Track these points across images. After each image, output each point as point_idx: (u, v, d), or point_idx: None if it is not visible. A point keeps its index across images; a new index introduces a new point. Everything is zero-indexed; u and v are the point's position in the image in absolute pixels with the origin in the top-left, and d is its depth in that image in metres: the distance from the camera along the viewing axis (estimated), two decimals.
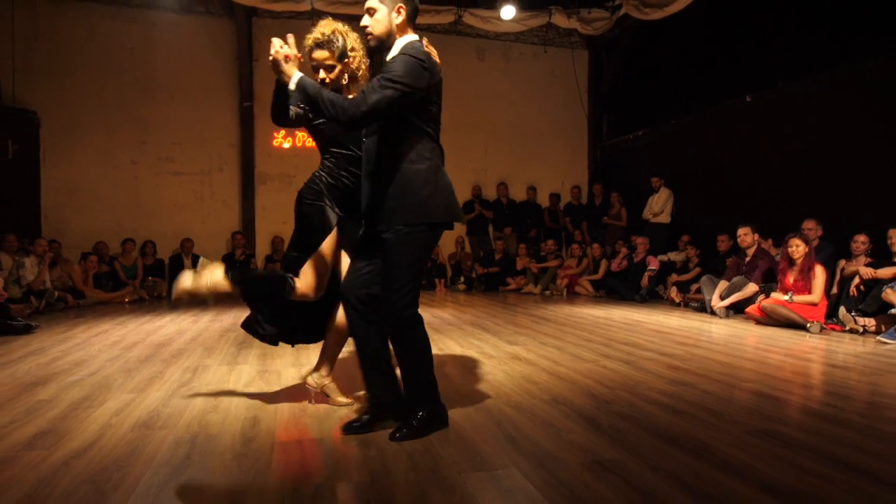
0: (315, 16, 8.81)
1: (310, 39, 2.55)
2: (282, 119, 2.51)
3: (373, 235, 2.36)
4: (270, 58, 2.20)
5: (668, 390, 2.98)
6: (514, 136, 10.78)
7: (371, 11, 2.26)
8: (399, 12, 2.26)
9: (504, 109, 10.72)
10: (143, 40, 9.15)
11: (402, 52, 2.20)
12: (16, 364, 3.77)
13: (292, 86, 2.19)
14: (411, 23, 2.32)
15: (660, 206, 8.72)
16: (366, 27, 2.28)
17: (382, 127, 2.29)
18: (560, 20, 9.43)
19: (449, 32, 10.18)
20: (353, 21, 9.96)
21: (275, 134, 9.09)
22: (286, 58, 2.19)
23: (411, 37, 2.30)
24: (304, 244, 2.63)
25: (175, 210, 9.42)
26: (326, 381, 2.74)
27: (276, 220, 9.57)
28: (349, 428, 2.35)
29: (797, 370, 3.56)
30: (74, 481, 1.85)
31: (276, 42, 2.20)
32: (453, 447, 2.15)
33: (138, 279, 8.58)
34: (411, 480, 1.86)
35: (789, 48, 7.24)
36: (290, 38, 2.22)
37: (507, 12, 8.93)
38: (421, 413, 2.30)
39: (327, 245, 2.58)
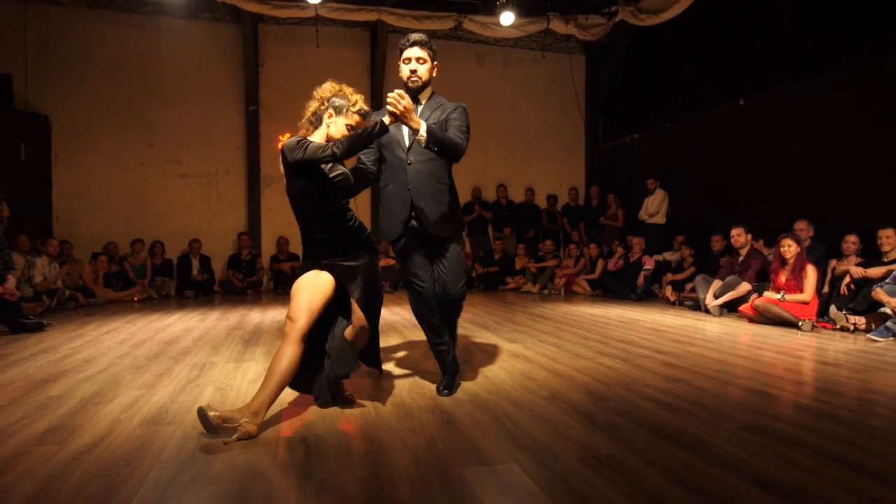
0: (319, 22, 8.90)
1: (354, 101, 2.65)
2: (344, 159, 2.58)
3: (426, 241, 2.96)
4: (399, 110, 2.48)
5: (663, 387, 3.03)
6: (512, 139, 10.91)
7: (422, 61, 2.86)
8: (435, 69, 2.93)
9: (503, 113, 10.85)
10: (151, 46, 9.29)
11: (457, 106, 2.88)
12: (28, 361, 3.83)
13: (424, 132, 2.59)
14: None
15: (655, 207, 8.82)
16: (415, 71, 2.85)
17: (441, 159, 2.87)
18: (558, 26, 9.54)
19: (450, 38, 10.32)
20: (353, 27, 9.99)
21: (280, 137, 9.06)
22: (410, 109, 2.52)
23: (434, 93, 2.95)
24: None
25: (183, 211, 9.54)
26: None
27: (281, 221, 9.67)
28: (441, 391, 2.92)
29: (789, 367, 3.60)
30: (85, 475, 1.89)
31: (404, 97, 2.49)
32: (454, 442, 2.19)
33: (147, 278, 8.69)
34: (413, 474, 1.89)
35: (781, 52, 7.33)
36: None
37: (507, 18, 9.01)
38: (457, 377, 3.04)
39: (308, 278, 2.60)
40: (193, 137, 9.52)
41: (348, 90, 2.65)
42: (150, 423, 2.47)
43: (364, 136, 2.47)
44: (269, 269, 9.67)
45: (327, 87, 2.66)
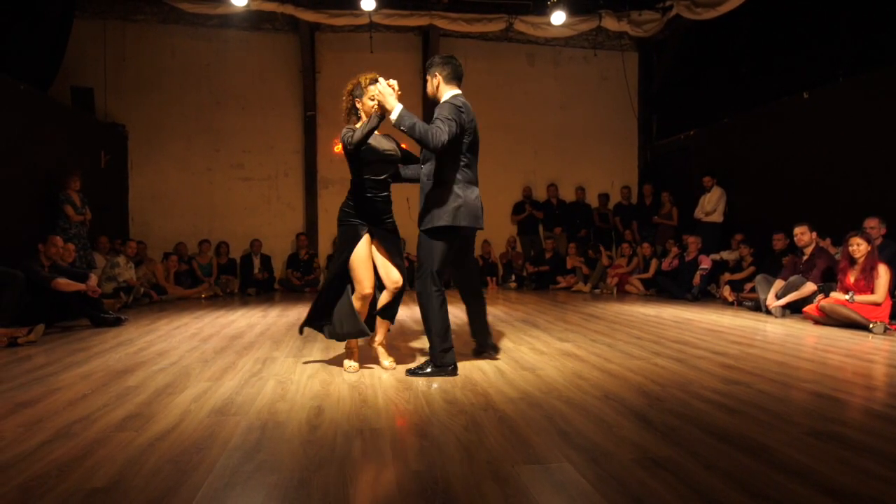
0: (373, 29, 9.16)
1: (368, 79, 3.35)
2: (362, 146, 3.24)
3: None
4: (379, 90, 3.04)
5: (721, 389, 2.94)
6: (563, 139, 10.84)
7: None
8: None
9: (554, 112, 10.79)
10: (217, 57, 9.80)
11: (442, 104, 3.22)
12: (108, 353, 4.09)
13: (395, 115, 3.03)
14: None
15: (712, 205, 8.57)
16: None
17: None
18: (610, 23, 9.42)
19: (500, 39, 10.37)
20: (405, 32, 10.28)
21: (335, 141, 9.42)
22: (390, 87, 3.05)
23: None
24: (336, 257, 3.42)
25: (245, 213, 9.98)
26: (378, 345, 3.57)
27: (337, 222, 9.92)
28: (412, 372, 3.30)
29: (859, 371, 3.42)
30: (159, 461, 2.00)
31: (384, 80, 3.08)
32: (506, 440, 2.19)
33: (213, 277, 9.13)
34: (466, 471, 1.90)
35: (849, 43, 6.99)
36: (395, 82, 3.12)
37: (558, 18, 8.94)
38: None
39: (364, 251, 3.33)
40: (255, 143, 9.96)
41: (359, 78, 3.35)
42: (217, 413, 2.58)
43: (367, 125, 3.10)
44: (325, 268, 9.95)
45: (347, 87, 3.40)
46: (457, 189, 3.17)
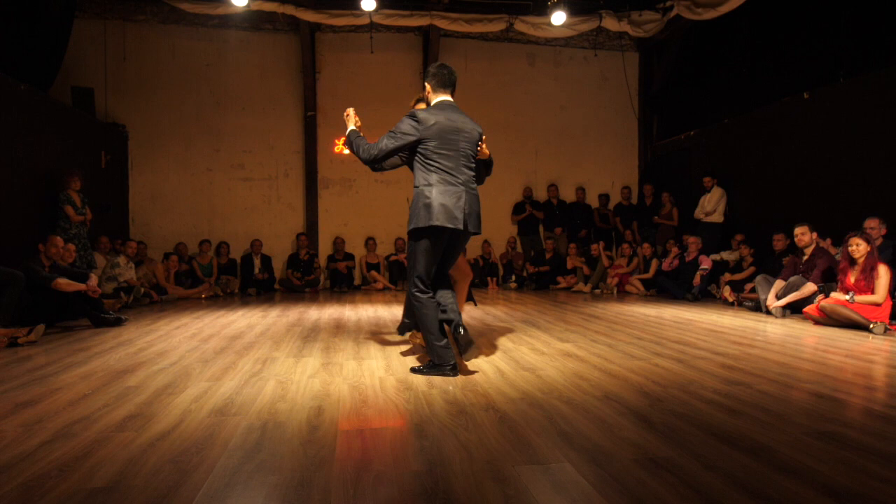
0: (373, 29, 9.17)
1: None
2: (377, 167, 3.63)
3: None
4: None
5: (722, 389, 2.94)
6: (563, 139, 10.85)
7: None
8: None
9: (554, 113, 10.80)
10: (217, 57, 9.81)
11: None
12: (108, 353, 4.08)
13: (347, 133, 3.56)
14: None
15: (712, 205, 8.57)
16: None
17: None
18: (610, 23, 9.43)
19: (500, 39, 10.39)
20: (405, 32, 10.33)
21: (336, 141, 9.61)
22: (346, 115, 3.57)
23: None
24: None
25: (245, 213, 9.99)
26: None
27: (337, 222, 10.01)
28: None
29: (859, 371, 3.41)
30: (159, 461, 2.00)
31: (347, 110, 3.60)
32: (507, 440, 2.19)
33: (213, 277, 9.13)
34: (467, 471, 1.90)
35: (849, 43, 6.97)
36: (352, 109, 3.61)
37: (558, 18, 8.95)
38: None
39: None
40: (255, 143, 9.97)
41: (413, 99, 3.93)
42: (217, 413, 2.58)
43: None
44: (325, 269, 9.96)
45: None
46: (426, 191, 3.26)
